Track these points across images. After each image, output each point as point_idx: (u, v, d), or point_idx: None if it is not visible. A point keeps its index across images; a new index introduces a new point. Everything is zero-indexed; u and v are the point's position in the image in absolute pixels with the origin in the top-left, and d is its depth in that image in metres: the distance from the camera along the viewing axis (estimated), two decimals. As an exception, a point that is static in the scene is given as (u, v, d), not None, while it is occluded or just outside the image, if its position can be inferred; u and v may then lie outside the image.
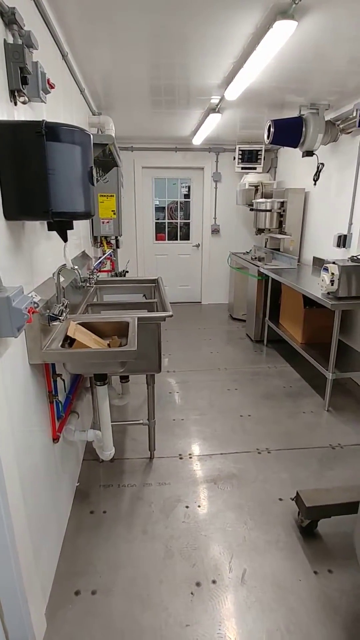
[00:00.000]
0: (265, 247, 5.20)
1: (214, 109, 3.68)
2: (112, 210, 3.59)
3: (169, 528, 1.98)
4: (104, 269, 3.79)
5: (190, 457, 2.53)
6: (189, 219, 6.13)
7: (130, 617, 1.56)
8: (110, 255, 3.73)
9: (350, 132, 3.51)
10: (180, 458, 2.53)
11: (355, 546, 1.51)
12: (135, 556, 1.83)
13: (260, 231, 4.99)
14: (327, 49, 2.34)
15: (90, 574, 1.73)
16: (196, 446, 2.65)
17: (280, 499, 2.17)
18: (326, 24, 2.02)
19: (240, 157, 5.37)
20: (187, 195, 6.06)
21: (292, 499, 2.13)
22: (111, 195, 3.55)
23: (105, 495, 2.20)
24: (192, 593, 1.66)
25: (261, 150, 5.33)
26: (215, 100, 3.42)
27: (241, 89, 2.91)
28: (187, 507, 2.12)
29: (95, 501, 2.15)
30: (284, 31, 1.96)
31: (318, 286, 3.03)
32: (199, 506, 2.13)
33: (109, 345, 1.89)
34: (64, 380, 1.93)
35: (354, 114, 3.26)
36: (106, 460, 2.10)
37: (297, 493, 1.94)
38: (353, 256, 2.90)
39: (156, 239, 6.15)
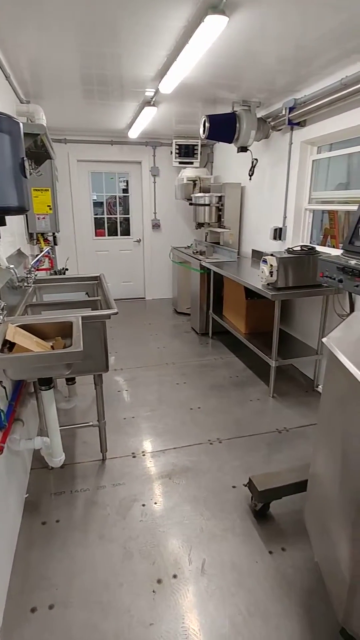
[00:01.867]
0: (206, 240, 5.29)
1: (149, 102, 3.64)
2: (48, 205, 3.42)
3: (126, 529, 1.95)
4: (42, 267, 3.61)
5: (144, 455, 2.51)
6: (128, 214, 6.04)
7: (91, 626, 1.51)
8: (48, 253, 3.56)
9: (281, 130, 3.67)
10: (134, 456, 2.49)
11: (305, 522, 1.59)
12: (92, 563, 1.77)
13: (200, 225, 5.05)
14: (256, 47, 2.41)
15: (46, 588, 1.65)
16: (149, 443, 2.63)
17: (234, 487, 2.23)
18: (255, 21, 2.07)
19: (177, 151, 5.39)
20: (125, 190, 5.96)
21: (245, 485, 2.20)
22: (46, 190, 3.38)
23: (58, 504, 2.10)
24: (153, 591, 1.65)
25: (197, 145, 5.39)
26: (149, 93, 3.38)
27: (175, 83, 2.90)
28: (143, 505, 2.10)
29: (46, 511, 2.05)
30: (215, 26, 1.97)
31: (258, 278, 3.14)
32: (155, 503, 2.12)
33: (52, 347, 1.79)
34: (4, 387, 1.81)
35: (283, 112, 3.40)
36: (56, 467, 2.01)
37: (250, 479, 2.00)
38: (289, 248, 3.04)
39: (96, 235, 5.98)
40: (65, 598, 1.61)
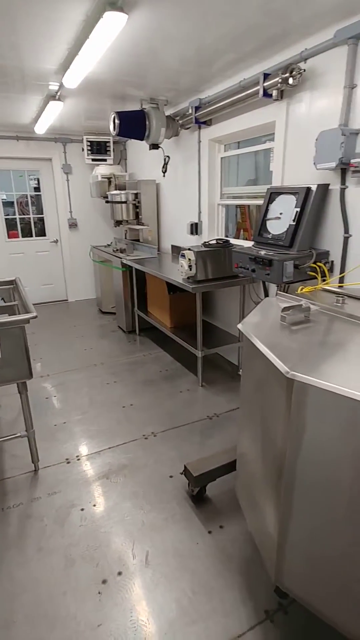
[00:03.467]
0: (126, 238, 5.28)
1: (54, 96, 3.50)
2: None
3: (66, 537, 1.90)
4: None
5: (78, 459, 2.46)
6: (42, 214, 5.77)
7: (36, 641, 1.46)
8: None
9: (189, 128, 3.78)
10: (68, 462, 2.43)
11: (238, 497, 1.71)
12: (33, 578, 1.71)
13: (118, 223, 5.02)
14: (158, 47, 2.46)
15: (-17, 614, 1.56)
16: (83, 446, 2.59)
17: (171, 476, 2.30)
18: (154, 21, 2.11)
19: (89, 148, 5.27)
20: (37, 189, 5.67)
21: (181, 473, 2.27)
22: None
23: (-12, 525, 1.98)
24: (99, 592, 1.64)
25: (109, 141, 5.33)
26: (54, 86, 3.26)
27: (80, 77, 2.84)
28: (82, 509, 2.07)
29: (-24, 534, 1.92)
30: (114, 23, 1.98)
31: (178, 272, 3.23)
32: (94, 505, 2.09)
33: (-33, 359, 1.67)
34: None
35: (190, 111, 3.52)
36: (-17, 486, 1.89)
37: (185, 466, 2.08)
38: (205, 242, 3.17)
39: (8, 237, 5.62)
40: (7, 620, 1.53)
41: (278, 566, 1.24)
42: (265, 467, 1.28)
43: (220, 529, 1.94)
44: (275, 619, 1.53)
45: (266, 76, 2.54)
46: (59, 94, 3.43)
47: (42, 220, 5.79)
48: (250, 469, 1.47)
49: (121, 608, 1.58)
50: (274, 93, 2.55)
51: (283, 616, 1.54)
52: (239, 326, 1.39)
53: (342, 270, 2.37)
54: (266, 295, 3.04)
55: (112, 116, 3.53)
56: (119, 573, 1.72)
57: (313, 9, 2.01)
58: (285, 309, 1.41)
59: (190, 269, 2.98)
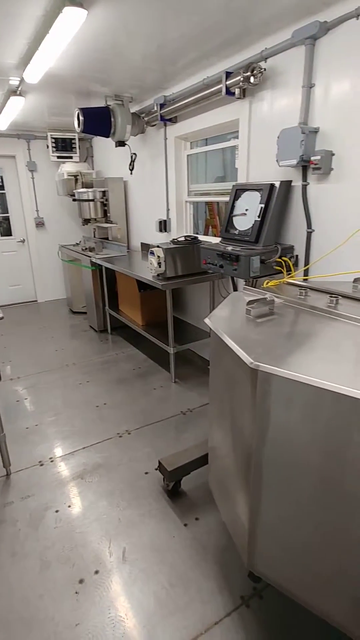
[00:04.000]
0: (95, 237, 5.22)
1: (14, 92, 3.41)
2: None
3: (41, 540, 1.88)
4: None
5: (52, 461, 2.43)
6: (7, 213, 5.61)
7: (12, 646, 1.44)
8: None
9: (155, 125, 3.78)
10: (41, 464, 2.40)
11: (211, 489, 1.74)
12: (7, 584, 1.68)
13: (86, 221, 4.96)
14: (120, 43, 2.44)
15: None
16: (57, 448, 2.55)
17: (147, 473, 2.31)
18: (115, 18, 2.10)
19: (54, 145, 5.16)
20: (1, 187, 5.51)
21: (156, 469, 2.29)
22: None
23: None
24: (76, 592, 1.64)
25: (75, 138, 5.24)
26: (14, 81, 3.18)
27: (41, 73, 2.78)
28: (57, 511, 2.05)
29: None
30: (74, 18, 1.95)
31: (148, 270, 3.23)
32: (69, 506, 2.08)
33: None
34: None
35: (155, 108, 3.52)
36: None
37: (159, 462, 2.10)
38: (174, 239, 3.19)
39: (-29, 237, 5.44)
40: (-20, 627, 1.51)
41: (250, 551, 1.28)
42: (235, 457, 1.32)
43: (196, 521, 1.97)
44: (251, 603, 1.58)
45: (228, 74, 2.58)
46: (20, 89, 3.35)
47: (7, 219, 5.63)
48: (221, 460, 1.50)
49: (99, 606, 1.58)
50: (237, 91, 2.59)
51: (258, 601, 1.59)
52: (206, 320, 1.42)
53: (307, 264, 2.45)
54: (235, 290, 3.10)
55: (76, 112, 3.48)
56: (96, 572, 1.72)
57: (272, 9, 2.06)
58: (250, 303, 1.44)
59: (160, 266, 2.99)
